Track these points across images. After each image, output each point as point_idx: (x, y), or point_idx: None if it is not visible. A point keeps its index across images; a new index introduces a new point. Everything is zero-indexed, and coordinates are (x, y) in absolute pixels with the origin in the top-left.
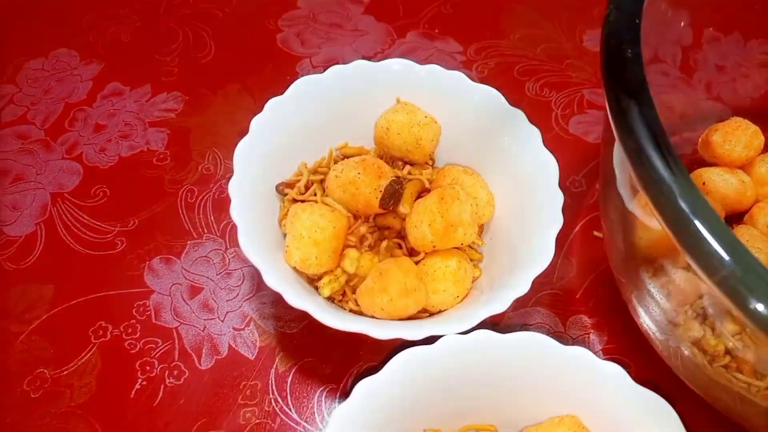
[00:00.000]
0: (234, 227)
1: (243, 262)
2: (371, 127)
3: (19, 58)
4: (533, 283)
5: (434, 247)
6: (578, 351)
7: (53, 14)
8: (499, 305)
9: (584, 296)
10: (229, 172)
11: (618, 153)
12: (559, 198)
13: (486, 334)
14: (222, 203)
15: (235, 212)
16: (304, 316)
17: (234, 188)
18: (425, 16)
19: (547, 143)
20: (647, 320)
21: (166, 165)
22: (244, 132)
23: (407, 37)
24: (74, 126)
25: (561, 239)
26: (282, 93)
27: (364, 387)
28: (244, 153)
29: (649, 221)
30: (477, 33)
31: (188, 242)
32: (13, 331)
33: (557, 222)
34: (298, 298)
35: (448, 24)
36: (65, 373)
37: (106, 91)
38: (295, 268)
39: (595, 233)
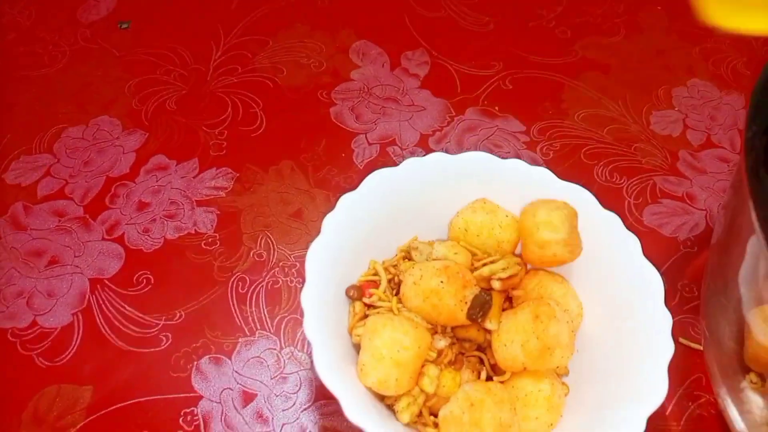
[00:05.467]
0: (289, 322)
1: (299, 365)
2: (443, 221)
3: (58, 125)
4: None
5: (525, 368)
6: None
7: (95, 79)
8: None
9: (674, 412)
10: (282, 260)
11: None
12: (667, 320)
13: None
14: (275, 294)
15: (310, 329)
16: None
17: (307, 299)
18: (484, 92)
19: None
20: None
21: (215, 250)
22: (296, 215)
23: (466, 113)
24: (116, 203)
25: None
26: (336, 172)
27: None
28: (316, 256)
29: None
30: (538, 111)
31: (240, 339)
32: None
33: (668, 349)
34: (383, 429)
35: (508, 101)
36: None
37: (150, 164)
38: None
39: (682, 340)
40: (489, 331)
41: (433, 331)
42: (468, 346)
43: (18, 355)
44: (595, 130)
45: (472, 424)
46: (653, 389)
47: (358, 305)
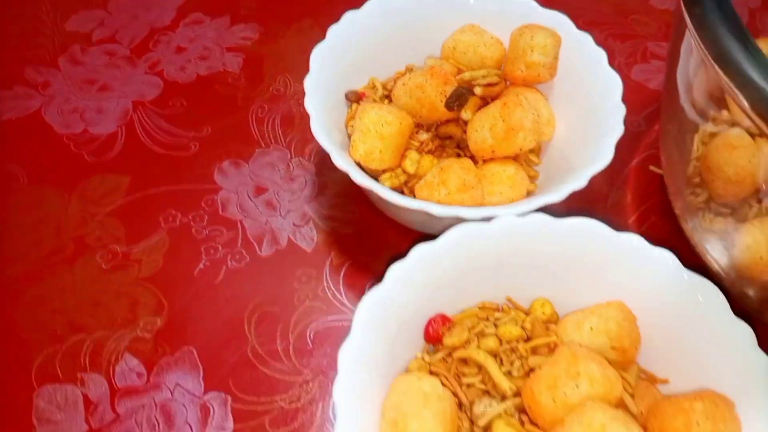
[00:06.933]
0: (300, 141)
1: (306, 171)
2: (437, 49)
3: None
4: (585, 209)
5: (493, 152)
6: (630, 237)
7: None
8: (555, 195)
9: (637, 221)
10: (297, 94)
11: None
12: (620, 110)
13: (541, 216)
14: (290, 120)
15: (310, 104)
16: (360, 219)
17: (309, 84)
18: None
19: None
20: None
21: (240, 84)
22: None
23: None
24: (157, 47)
25: (616, 172)
26: None
27: (420, 250)
28: (320, 56)
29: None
30: None
31: (256, 150)
32: (90, 212)
33: (618, 130)
34: (363, 177)
35: None
36: (135, 250)
37: (189, 19)
38: (358, 164)
39: (652, 168)
40: (465, 125)
41: (417, 127)
42: (448, 143)
43: (71, 153)
44: (595, 4)
45: (440, 183)
46: (600, 156)
47: (354, 106)
